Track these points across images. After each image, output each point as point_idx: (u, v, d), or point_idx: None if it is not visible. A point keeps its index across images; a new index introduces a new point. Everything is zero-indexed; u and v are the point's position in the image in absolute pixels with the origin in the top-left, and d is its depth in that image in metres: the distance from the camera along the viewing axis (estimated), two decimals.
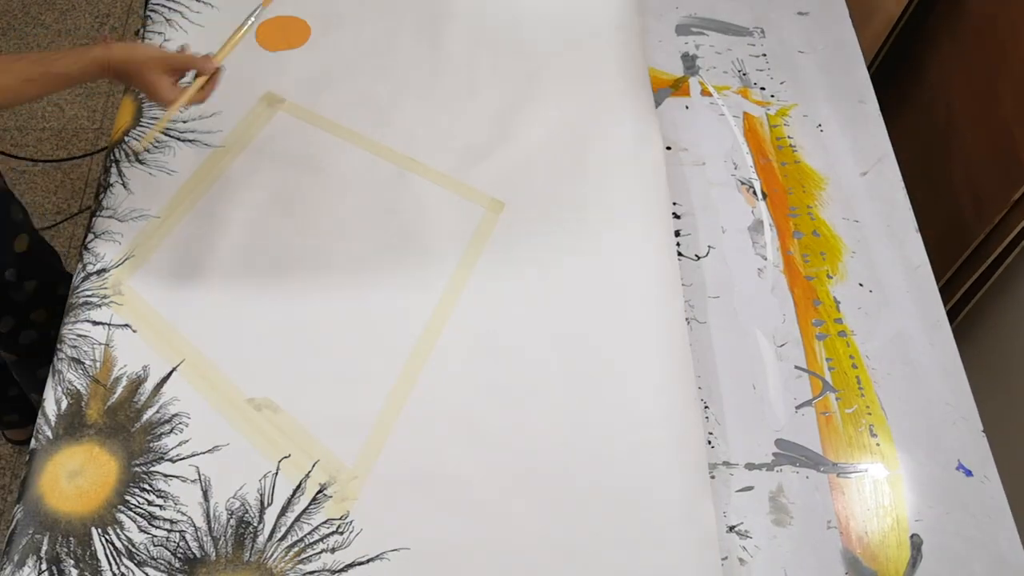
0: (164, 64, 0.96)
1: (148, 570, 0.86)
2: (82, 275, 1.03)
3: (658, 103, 1.24)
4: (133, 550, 0.87)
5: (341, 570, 0.86)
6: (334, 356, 0.99)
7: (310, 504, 0.90)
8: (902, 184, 1.18)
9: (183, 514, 0.89)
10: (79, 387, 0.95)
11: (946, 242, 1.39)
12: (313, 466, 0.92)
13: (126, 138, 1.15)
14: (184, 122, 1.16)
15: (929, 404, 1.00)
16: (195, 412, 0.95)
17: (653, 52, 1.30)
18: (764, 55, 1.30)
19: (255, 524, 0.89)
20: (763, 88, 1.26)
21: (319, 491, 0.90)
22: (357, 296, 1.03)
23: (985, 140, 1.35)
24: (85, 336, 0.99)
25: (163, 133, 1.15)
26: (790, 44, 1.32)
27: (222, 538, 0.88)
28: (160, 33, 1.26)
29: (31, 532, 0.87)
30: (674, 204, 1.14)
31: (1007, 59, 1.31)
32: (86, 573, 0.85)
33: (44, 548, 0.86)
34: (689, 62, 1.29)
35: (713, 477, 0.94)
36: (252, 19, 1.07)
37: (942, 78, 1.50)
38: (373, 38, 1.26)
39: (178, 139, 1.15)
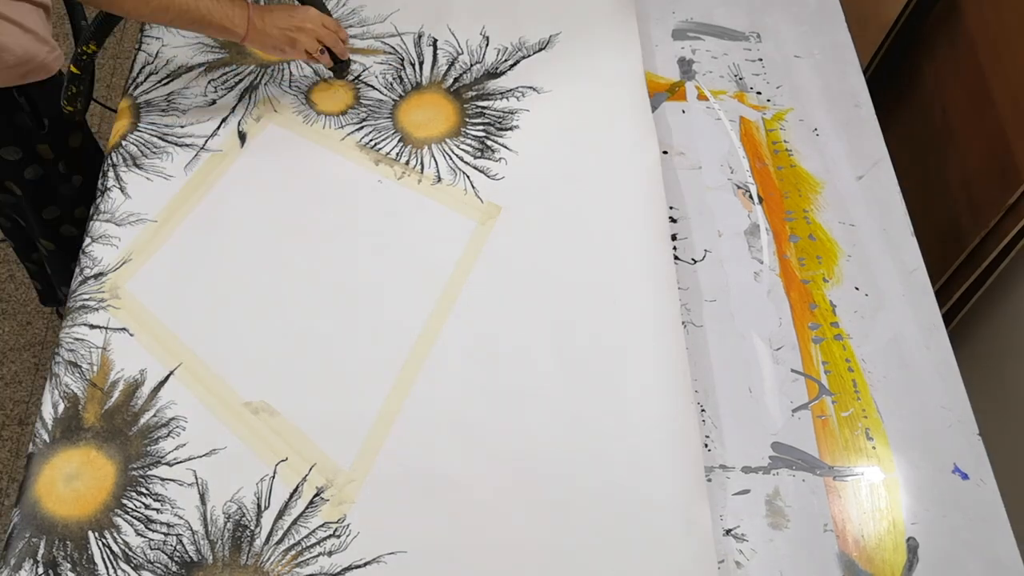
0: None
1: (145, 574, 0.86)
2: (80, 279, 1.03)
3: (655, 107, 1.24)
4: (130, 554, 0.87)
5: (338, 573, 0.86)
6: (331, 360, 0.99)
7: (307, 507, 0.90)
8: (898, 188, 1.18)
9: (180, 518, 0.89)
10: (76, 391, 0.95)
11: (942, 246, 1.40)
12: (310, 470, 0.92)
13: (123, 142, 1.15)
14: (182, 127, 1.17)
15: (925, 407, 1.00)
16: (192, 416, 0.95)
17: (650, 57, 1.30)
18: (760, 60, 1.31)
19: (252, 528, 0.88)
20: (759, 92, 1.27)
21: (316, 494, 0.90)
22: (353, 300, 1.03)
23: (980, 144, 1.36)
24: (82, 340, 0.99)
25: (160, 139, 1.15)
26: (786, 49, 1.32)
27: (219, 542, 0.88)
28: (158, 38, 1.26)
29: (28, 536, 0.87)
30: (670, 208, 1.14)
31: (1002, 64, 1.32)
32: None
33: (41, 552, 0.86)
34: (686, 67, 1.30)
35: (709, 480, 0.94)
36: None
37: (937, 83, 1.50)
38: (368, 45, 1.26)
39: (175, 144, 1.15)
